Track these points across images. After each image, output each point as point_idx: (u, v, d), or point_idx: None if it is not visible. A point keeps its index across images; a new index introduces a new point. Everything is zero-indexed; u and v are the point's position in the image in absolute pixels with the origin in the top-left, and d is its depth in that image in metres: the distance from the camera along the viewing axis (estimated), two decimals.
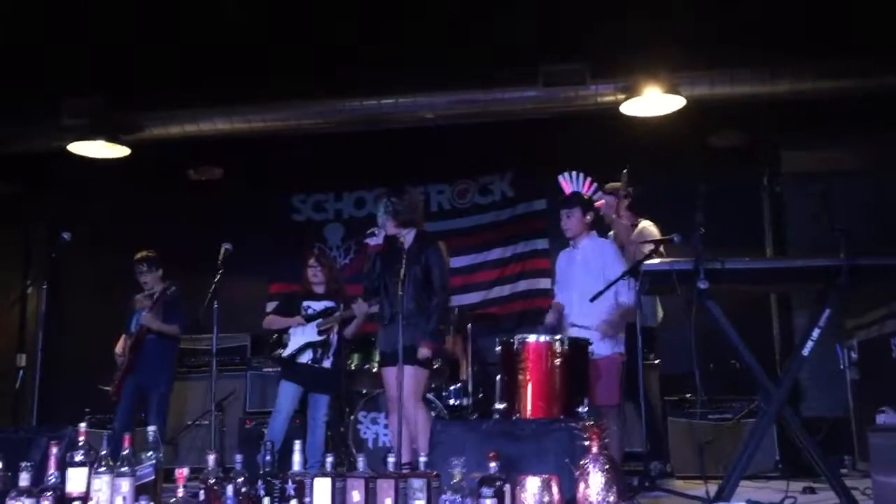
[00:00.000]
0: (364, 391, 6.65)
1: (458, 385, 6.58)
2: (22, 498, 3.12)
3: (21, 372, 7.87)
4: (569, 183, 5.17)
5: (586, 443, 3.21)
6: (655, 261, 4.32)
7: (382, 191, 5.25)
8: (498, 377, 4.63)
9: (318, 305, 5.93)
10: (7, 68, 6.37)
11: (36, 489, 3.18)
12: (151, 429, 3.56)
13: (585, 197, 5.15)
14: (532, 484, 3.12)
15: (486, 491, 3.10)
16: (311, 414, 5.81)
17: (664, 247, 5.07)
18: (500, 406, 4.51)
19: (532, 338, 4.58)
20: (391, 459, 3.42)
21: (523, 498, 3.12)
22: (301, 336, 5.85)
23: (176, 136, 7.20)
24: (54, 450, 3.28)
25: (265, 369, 7.18)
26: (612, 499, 3.10)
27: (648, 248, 5.04)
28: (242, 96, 6.95)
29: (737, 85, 6.41)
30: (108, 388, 6.08)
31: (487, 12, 6.00)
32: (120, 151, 7.29)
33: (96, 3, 5.82)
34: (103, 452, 3.28)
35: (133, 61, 6.41)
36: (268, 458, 3.48)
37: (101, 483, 3.22)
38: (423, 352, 4.84)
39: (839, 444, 5.44)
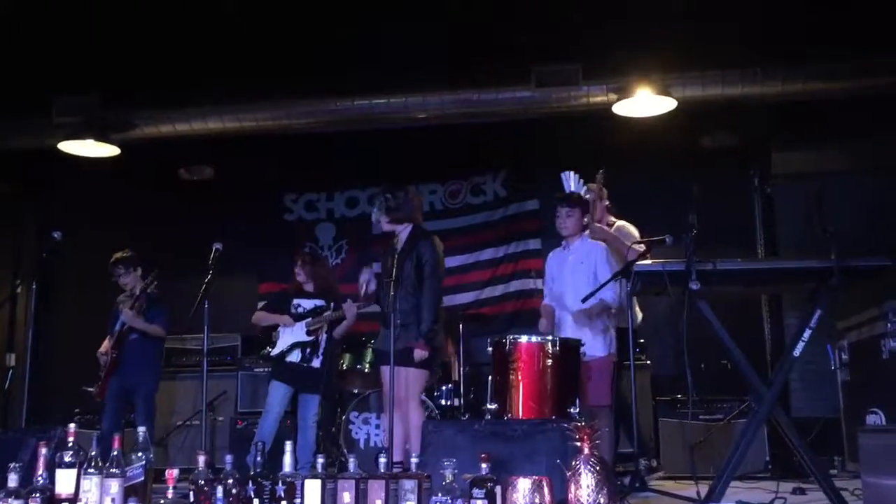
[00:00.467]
0: (356, 391, 6.64)
1: (450, 385, 6.57)
2: (10, 499, 3.11)
3: (10, 372, 7.82)
4: (570, 181, 5.18)
5: (577, 443, 3.21)
6: (647, 262, 4.33)
7: (378, 189, 5.25)
8: (489, 377, 4.63)
9: (307, 304, 5.90)
10: None
11: (24, 490, 3.16)
12: (141, 429, 3.54)
13: (584, 198, 5.16)
14: (523, 485, 3.12)
15: (478, 492, 3.10)
16: (301, 414, 5.79)
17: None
18: (491, 406, 4.50)
19: (524, 338, 4.58)
20: (383, 460, 3.41)
21: (514, 499, 3.12)
22: (290, 335, 5.83)
23: (167, 136, 7.17)
24: (43, 450, 3.26)
25: (256, 369, 7.16)
26: (602, 500, 3.10)
27: (639, 248, 5.05)
28: (234, 96, 6.93)
29: (728, 86, 6.43)
30: (91, 389, 6.05)
31: (480, 13, 6.00)
32: (110, 150, 7.26)
33: (88, 2, 5.79)
34: (92, 453, 3.26)
35: (125, 60, 6.38)
36: (258, 458, 3.47)
37: (91, 484, 3.21)
38: (419, 353, 4.83)
39: (829, 444, 5.46)
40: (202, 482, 3.31)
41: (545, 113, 6.79)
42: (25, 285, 7.52)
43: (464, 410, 6.40)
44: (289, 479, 3.30)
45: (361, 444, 6.42)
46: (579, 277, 5.06)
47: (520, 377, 4.48)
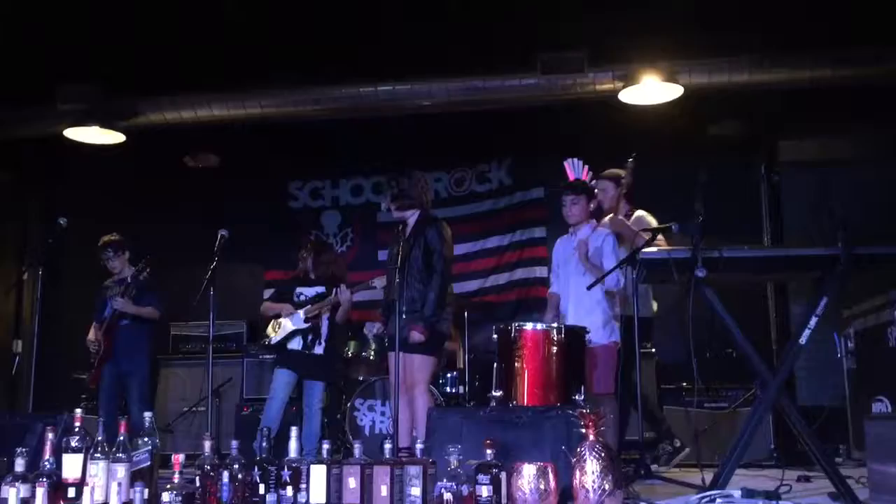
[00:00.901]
0: (361, 378, 6.66)
1: (455, 373, 6.59)
2: (17, 483, 3.12)
3: (17, 358, 7.87)
4: (573, 168, 5.17)
5: (582, 430, 3.21)
6: (653, 249, 4.31)
7: (383, 177, 5.24)
8: (495, 365, 4.63)
9: (309, 292, 5.90)
10: (2, 54, 6.33)
11: (31, 475, 3.17)
12: (148, 414, 3.55)
13: (589, 185, 5.15)
14: (528, 471, 3.13)
15: (483, 478, 3.11)
16: (306, 401, 5.80)
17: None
18: (496, 394, 4.51)
19: (529, 325, 4.58)
20: (388, 446, 3.41)
21: (519, 485, 3.12)
22: (288, 323, 5.83)
23: (172, 123, 7.16)
24: (50, 436, 3.27)
25: (262, 356, 7.19)
26: (607, 486, 3.10)
27: (646, 236, 5.04)
28: (239, 83, 6.92)
29: (735, 74, 6.40)
30: (83, 377, 6.07)
31: (485, 0, 5.97)
32: (115, 137, 7.26)
33: None
34: (99, 438, 3.27)
35: (129, 47, 6.37)
36: (264, 444, 3.48)
37: (97, 469, 3.22)
38: (415, 335, 4.80)
39: (835, 432, 5.45)
40: (208, 467, 3.32)
41: (551, 100, 6.77)
42: (31, 272, 7.52)
43: (469, 398, 6.42)
44: (294, 465, 3.31)
45: (367, 431, 6.43)
46: (583, 264, 5.04)
47: (525, 364, 4.48)
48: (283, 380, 5.76)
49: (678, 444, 5.48)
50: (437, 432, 3.70)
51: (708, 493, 3.57)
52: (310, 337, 5.78)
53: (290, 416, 5.77)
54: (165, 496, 3.14)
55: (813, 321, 3.79)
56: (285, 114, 7.15)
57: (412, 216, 5.02)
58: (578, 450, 3.18)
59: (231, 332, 7.56)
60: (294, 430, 3.43)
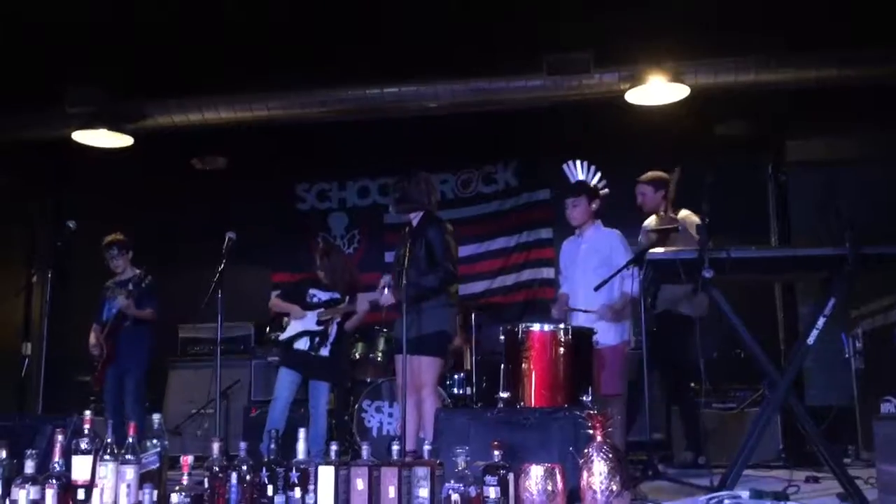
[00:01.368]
0: (368, 380, 6.66)
1: (462, 374, 6.59)
2: (27, 485, 3.14)
3: (26, 360, 7.90)
4: (573, 171, 5.16)
5: (590, 431, 3.21)
6: (660, 250, 4.31)
7: (389, 178, 5.26)
8: (502, 366, 4.63)
9: (323, 295, 5.91)
10: (11, 57, 6.37)
11: (41, 476, 3.19)
12: (157, 417, 3.56)
13: (591, 186, 5.13)
14: (535, 472, 3.13)
15: (490, 479, 3.11)
16: (312, 403, 5.79)
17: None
18: (503, 395, 4.50)
19: (536, 326, 4.57)
20: (396, 447, 3.42)
21: (527, 486, 3.12)
22: (300, 323, 5.84)
23: (180, 125, 7.19)
24: (59, 437, 3.28)
25: (269, 358, 7.20)
26: (615, 487, 3.10)
27: (653, 236, 5.04)
28: (246, 85, 6.94)
29: (741, 74, 6.39)
30: (87, 379, 6.09)
31: (492, 0, 5.97)
32: (123, 140, 7.29)
33: None
34: (108, 440, 3.28)
35: (137, 50, 6.39)
36: (271, 446, 3.49)
37: (107, 470, 3.23)
38: (385, 297, 4.85)
39: (843, 433, 5.44)
40: (217, 469, 3.33)
41: (556, 101, 6.77)
42: (40, 274, 7.56)
43: (476, 399, 6.42)
44: (302, 466, 3.32)
45: (374, 433, 6.44)
46: (591, 265, 5.04)
47: (532, 365, 4.48)
48: (286, 379, 5.76)
49: (701, 461, 5.43)
50: (445, 433, 3.70)
51: (716, 494, 3.56)
52: (317, 339, 5.78)
53: (297, 417, 5.78)
54: (174, 498, 3.15)
55: (821, 321, 3.78)
56: (292, 116, 7.17)
57: (416, 218, 5.02)
58: (586, 451, 3.18)
59: (239, 334, 7.57)
60: (302, 432, 3.44)
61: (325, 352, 5.78)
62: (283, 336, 5.85)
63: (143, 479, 3.26)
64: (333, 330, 5.81)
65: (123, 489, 3.21)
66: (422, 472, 3.23)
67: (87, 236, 6.11)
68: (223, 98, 7.01)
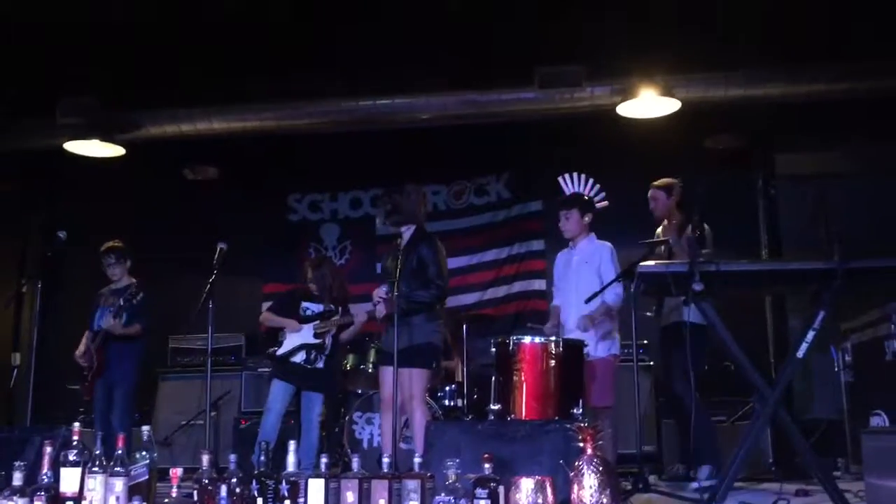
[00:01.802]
0: (360, 391, 6.65)
1: (453, 386, 6.58)
2: (15, 497, 3.12)
3: (15, 371, 7.84)
4: (568, 184, 5.18)
5: (580, 444, 3.21)
6: (650, 263, 4.32)
7: (380, 190, 5.26)
8: (493, 378, 4.63)
9: (316, 308, 5.91)
10: (3, 67, 6.36)
11: (29, 488, 3.17)
12: (146, 428, 3.55)
13: (586, 198, 5.16)
14: (526, 485, 3.12)
15: (481, 492, 3.10)
16: (304, 415, 5.80)
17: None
18: (494, 407, 4.50)
19: (527, 339, 4.59)
20: (386, 460, 3.41)
21: (517, 499, 3.12)
22: (297, 337, 5.84)
23: (172, 136, 7.19)
24: (48, 449, 3.27)
25: (260, 369, 7.18)
26: (605, 500, 3.10)
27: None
28: (239, 96, 6.94)
29: (732, 88, 6.43)
30: (76, 387, 6.03)
31: (484, 13, 6.01)
32: (115, 150, 7.28)
33: (92, 3, 5.81)
34: (97, 452, 3.27)
35: (129, 60, 6.40)
36: (262, 458, 3.48)
37: (95, 483, 3.22)
38: (380, 308, 4.86)
39: (833, 446, 5.45)
40: (206, 481, 3.31)
41: (549, 114, 6.80)
42: (30, 285, 7.52)
43: (467, 411, 6.41)
44: (292, 479, 3.30)
45: (365, 445, 6.42)
46: (583, 278, 5.06)
47: (523, 378, 4.48)
48: (280, 391, 5.76)
49: (693, 474, 5.43)
50: (436, 446, 3.70)
51: None
52: (314, 353, 5.80)
53: (287, 429, 5.76)
54: None
55: (810, 335, 3.79)
56: (284, 127, 7.17)
57: (407, 231, 5.04)
58: (576, 464, 3.18)
59: (230, 345, 7.56)
60: (292, 444, 3.43)
61: (320, 364, 5.80)
62: (281, 351, 5.85)
63: (132, 491, 3.24)
64: (329, 342, 5.83)
65: (112, 501, 3.19)
66: (412, 484, 3.23)
67: (78, 246, 6.09)
68: (215, 109, 7.02)
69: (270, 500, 3.30)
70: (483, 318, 7.45)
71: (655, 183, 5.56)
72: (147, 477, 3.39)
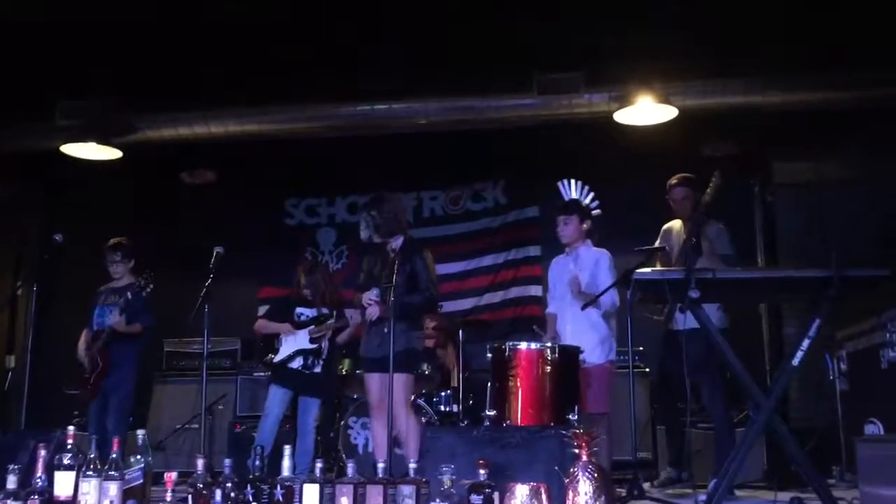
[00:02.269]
0: (355, 396, 6.64)
1: (449, 391, 6.57)
2: (9, 501, 3.12)
3: (10, 374, 7.83)
4: (567, 190, 5.19)
5: (576, 450, 3.22)
6: (647, 270, 4.33)
7: (362, 202, 5.27)
8: (488, 384, 4.63)
9: (309, 312, 5.92)
10: (2, 69, 6.36)
11: (23, 492, 3.17)
12: (140, 432, 3.55)
13: (583, 205, 5.17)
14: (521, 491, 3.13)
15: (476, 498, 3.11)
16: (300, 419, 5.80)
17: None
18: (490, 413, 4.50)
19: (523, 345, 4.58)
20: (381, 465, 3.41)
21: None
22: (293, 343, 5.85)
23: (169, 139, 7.18)
24: (42, 452, 3.26)
25: (255, 374, 7.18)
26: None
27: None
28: (237, 100, 6.95)
29: (729, 95, 6.45)
30: (76, 392, 5.96)
31: (483, 20, 6.02)
32: (113, 153, 7.28)
33: (91, 5, 5.81)
34: (91, 456, 3.26)
35: (128, 64, 6.40)
36: (257, 462, 3.48)
37: (89, 486, 3.22)
38: (372, 310, 4.89)
39: (828, 454, 5.45)
40: (200, 485, 3.31)
41: (547, 120, 6.81)
42: (26, 287, 7.52)
43: (462, 417, 6.40)
44: (287, 484, 3.31)
45: (360, 450, 6.41)
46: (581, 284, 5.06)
47: (519, 384, 4.48)
48: (277, 397, 5.77)
49: (685, 477, 5.43)
50: (431, 451, 3.70)
51: None
52: (311, 358, 5.80)
53: (283, 433, 5.76)
54: None
55: (805, 343, 3.79)
56: (282, 131, 7.17)
57: (396, 241, 5.06)
58: (571, 470, 3.19)
59: (225, 349, 7.55)
60: (287, 449, 3.43)
61: (317, 369, 5.83)
62: (278, 358, 5.86)
63: (127, 495, 3.25)
64: (326, 346, 5.84)
65: None
66: (407, 490, 3.23)
67: (74, 249, 6.08)
68: (213, 113, 7.02)
69: None
70: (479, 324, 7.46)
71: (682, 178, 5.49)
72: (142, 481, 3.39)
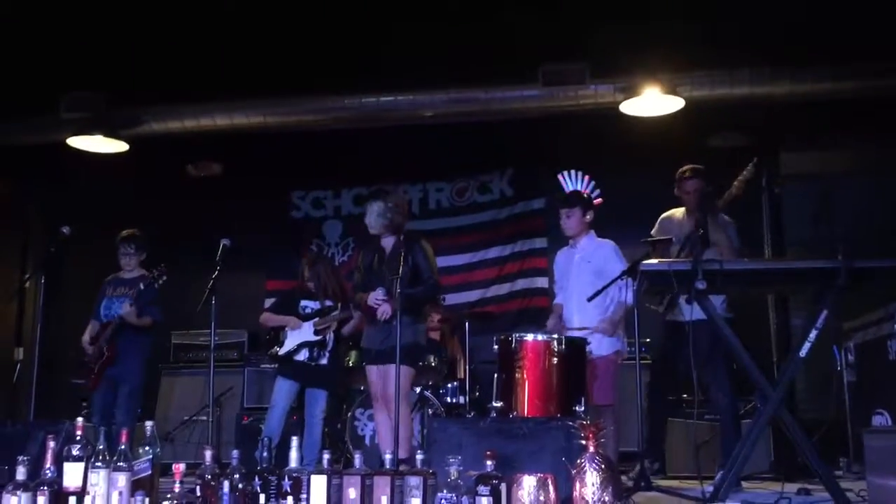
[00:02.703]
0: (361, 388, 6.65)
1: (456, 383, 6.59)
2: (18, 492, 3.13)
3: (18, 366, 7.86)
4: (568, 181, 5.18)
5: (583, 442, 3.22)
6: (654, 261, 4.32)
7: (369, 192, 5.28)
8: (495, 375, 4.63)
9: (315, 305, 5.93)
10: (7, 62, 6.37)
11: (32, 483, 3.18)
12: (149, 424, 3.55)
13: (585, 196, 5.15)
14: (528, 482, 3.13)
15: (483, 489, 3.11)
16: (308, 410, 5.82)
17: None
18: (497, 404, 4.51)
19: (530, 336, 4.59)
20: (388, 456, 3.42)
21: (519, 496, 3.12)
22: (298, 335, 5.86)
23: (175, 132, 7.19)
24: (51, 444, 3.27)
25: (262, 365, 7.19)
26: (607, 498, 3.10)
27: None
28: (242, 92, 6.94)
29: (736, 86, 6.42)
30: (80, 382, 5.96)
31: (488, 11, 6.00)
32: (118, 146, 7.29)
33: None
34: (100, 447, 3.27)
35: (133, 56, 6.40)
36: (264, 454, 3.49)
37: (98, 478, 3.22)
38: (384, 308, 4.90)
39: (835, 445, 5.45)
40: (209, 477, 3.32)
41: (552, 112, 6.79)
42: (33, 280, 7.55)
43: (469, 408, 6.41)
44: (295, 475, 3.31)
45: (367, 441, 6.43)
46: (585, 276, 5.06)
47: (525, 375, 4.48)
48: (284, 389, 5.79)
49: (656, 466, 5.47)
50: (438, 443, 3.70)
51: None
52: (316, 350, 5.82)
53: (290, 425, 5.78)
54: None
55: (813, 334, 3.79)
56: (288, 123, 7.18)
57: (393, 236, 5.11)
58: (579, 461, 3.18)
59: (232, 341, 7.57)
60: (295, 440, 3.44)
61: (323, 361, 5.84)
62: (283, 350, 5.87)
63: (135, 486, 3.25)
64: (331, 338, 5.86)
65: (115, 496, 3.20)
66: (414, 481, 3.23)
67: (80, 242, 6.09)
68: (219, 105, 7.02)
69: (273, 496, 3.31)
70: (486, 316, 7.46)
71: (697, 169, 5.44)
72: (150, 472, 3.39)
